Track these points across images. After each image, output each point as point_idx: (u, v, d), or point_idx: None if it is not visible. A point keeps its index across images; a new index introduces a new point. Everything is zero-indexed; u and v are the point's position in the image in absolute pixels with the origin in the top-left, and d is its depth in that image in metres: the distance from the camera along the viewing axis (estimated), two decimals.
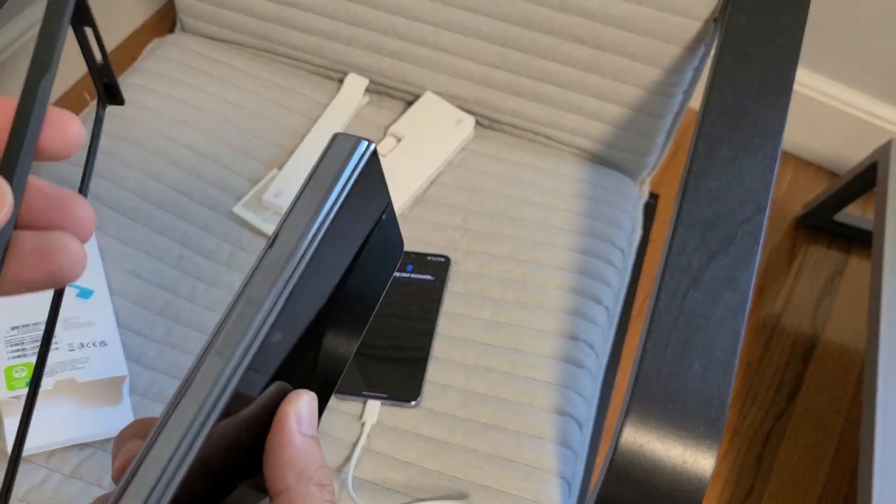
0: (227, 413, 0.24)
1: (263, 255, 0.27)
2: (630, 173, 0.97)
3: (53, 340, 0.72)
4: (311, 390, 0.29)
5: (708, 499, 1.20)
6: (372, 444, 0.75)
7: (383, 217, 0.31)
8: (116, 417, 0.71)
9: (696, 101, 0.97)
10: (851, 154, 1.46)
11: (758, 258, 0.63)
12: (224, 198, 0.87)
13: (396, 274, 0.84)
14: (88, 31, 0.28)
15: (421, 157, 0.91)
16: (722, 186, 0.66)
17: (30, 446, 0.68)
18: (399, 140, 0.93)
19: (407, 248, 0.86)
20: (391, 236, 0.33)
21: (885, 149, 1.23)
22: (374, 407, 0.76)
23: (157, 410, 0.73)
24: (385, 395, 0.76)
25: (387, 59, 0.95)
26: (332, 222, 0.27)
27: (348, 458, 0.74)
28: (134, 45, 1.45)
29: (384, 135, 0.94)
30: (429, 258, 0.85)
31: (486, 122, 0.98)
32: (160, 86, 0.94)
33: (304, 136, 0.93)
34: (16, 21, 1.25)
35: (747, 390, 1.29)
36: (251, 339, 0.25)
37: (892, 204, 1.17)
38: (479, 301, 0.83)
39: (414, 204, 0.90)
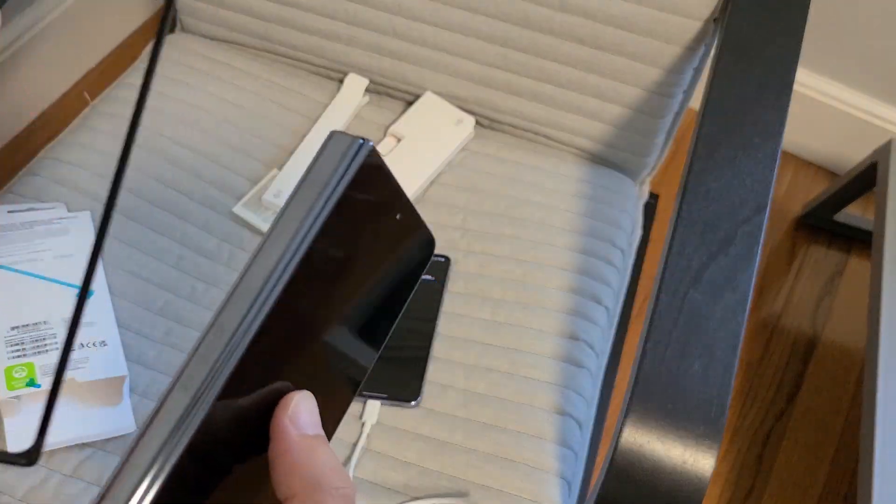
0: (192, 447, 0.24)
1: (243, 274, 0.26)
2: (630, 173, 0.97)
3: (53, 341, 0.72)
4: (327, 394, 0.29)
5: (708, 499, 1.20)
6: (372, 444, 0.75)
7: (398, 217, 0.30)
8: (116, 417, 0.71)
9: (696, 101, 0.97)
10: (851, 154, 1.46)
11: (758, 258, 0.63)
12: (224, 198, 0.87)
13: None
14: None
15: (421, 157, 0.91)
16: (722, 186, 0.66)
17: (30, 446, 0.68)
18: (399, 140, 0.93)
19: None
20: (412, 234, 0.32)
21: (885, 149, 1.23)
22: (374, 407, 0.76)
23: None
24: (385, 395, 0.76)
25: (387, 59, 0.95)
26: (325, 226, 0.27)
27: (348, 459, 0.74)
28: (134, 45, 1.45)
29: (384, 135, 0.94)
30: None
31: (486, 122, 0.98)
32: (160, 86, 0.94)
33: (304, 136, 0.93)
34: (16, 21, 1.25)
35: (747, 390, 1.29)
36: (217, 371, 0.24)
37: (892, 204, 1.17)
38: (479, 301, 0.83)
39: (414, 204, 0.90)
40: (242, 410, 0.26)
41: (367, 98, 0.98)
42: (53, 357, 0.71)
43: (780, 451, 1.24)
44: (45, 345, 0.71)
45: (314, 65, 1.00)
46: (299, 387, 0.28)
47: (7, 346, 0.71)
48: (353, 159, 0.27)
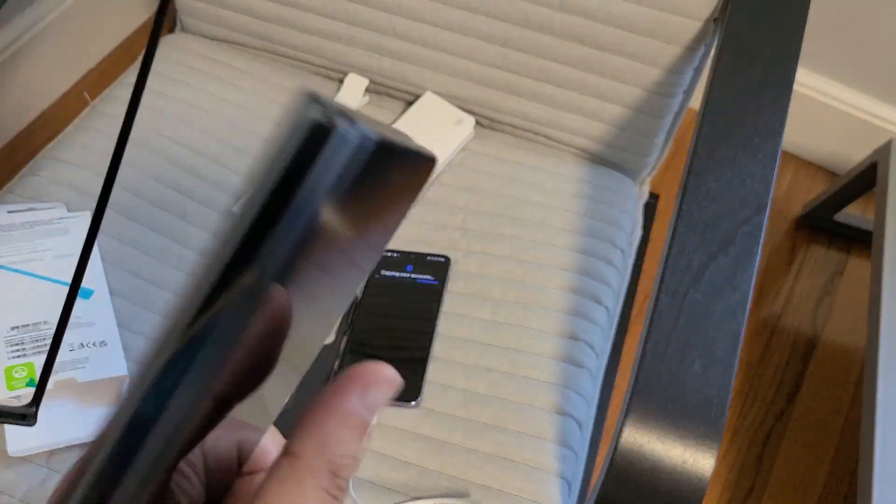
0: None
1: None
2: (630, 173, 0.97)
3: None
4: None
5: (708, 499, 1.20)
6: (372, 444, 0.75)
7: (402, 178, 0.24)
8: None
9: (696, 101, 0.97)
10: (851, 154, 1.46)
11: (758, 258, 0.63)
12: (224, 198, 0.87)
13: (396, 274, 0.84)
14: None
15: None
16: (722, 186, 0.66)
17: (30, 446, 0.68)
18: None
19: (407, 248, 0.86)
20: (416, 167, 0.24)
21: (885, 149, 1.23)
22: None
23: None
24: None
25: (387, 59, 0.95)
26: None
27: None
28: (134, 45, 1.45)
29: None
30: (429, 258, 0.85)
31: (486, 122, 0.98)
32: (160, 86, 0.94)
33: None
34: (16, 21, 1.25)
35: (747, 390, 1.29)
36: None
37: (892, 204, 1.17)
38: (479, 301, 0.83)
39: (414, 204, 0.90)
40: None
41: (367, 98, 0.98)
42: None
43: (780, 451, 1.24)
44: (45, 345, 0.71)
45: (314, 65, 1.00)
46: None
47: (7, 346, 0.71)
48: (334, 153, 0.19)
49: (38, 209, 0.81)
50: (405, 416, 0.76)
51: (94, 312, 0.75)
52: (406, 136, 0.23)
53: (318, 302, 0.24)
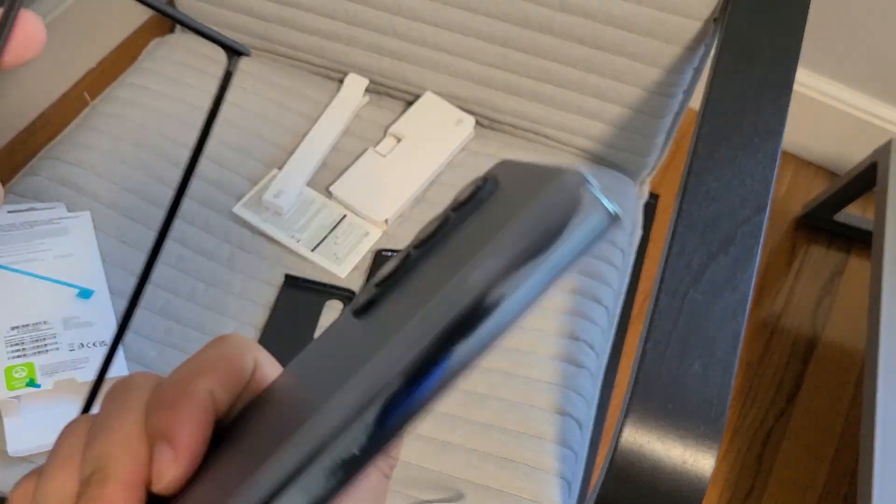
0: None
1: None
2: (630, 173, 0.97)
3: (53, 341, 0.72)
4: None
5: (708, 499, 1.20)
6: None
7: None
8: None
9: (696, 101, 0.97)
10: (851, 154, 1.46)
11: (758, 258, 0.63)
12: (224, 198, 0.87)
13: None
14: None
15: (421, 157, 0.91)
16: (722, 186, 0.66)
17: (30, 446, 0.68)
18: (399, 140, 0.93)
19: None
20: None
21: (885, 149, 1.23)
22: None
23: None
24: None
25: (387, 59, 0.95)
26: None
27: None
28: (134, 45, 1.45)
29: (384, 135, 0.94)
30: None
31: (486, 122, 0.98)
32: (160, 86, 0.94)
33: (304, 136, 0.93)
34: None
35: (747, 390, 1.29)
36: None
37: (892, 204, 1.17)
38: None
39: (414, 204, 0.90)
40: None
41: (367, 98, 0.98)
42: (53, 357, 0.71)
43: (780, 451, 1.24)
44: (45, 345, 0.71)
45: (314, 65, 1.00)
46: None
47: (7, 346, 0.71)
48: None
49: (38, 209, 0.81)
50: None
51: (94, 312, 0.75)
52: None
53: None
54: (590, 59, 0.88)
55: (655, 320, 0.59)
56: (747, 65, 0.73)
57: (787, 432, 1.26)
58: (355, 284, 0.84)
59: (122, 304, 0.78)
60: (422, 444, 0.74)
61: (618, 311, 0.90)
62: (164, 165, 0.88)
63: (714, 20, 0.82)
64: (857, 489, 1.00)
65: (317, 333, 0.81)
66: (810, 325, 1.36)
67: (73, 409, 0.69)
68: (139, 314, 0.78)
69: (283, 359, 0.26)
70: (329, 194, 0.89)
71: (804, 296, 1.39)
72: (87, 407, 0.26)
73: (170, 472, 0.21)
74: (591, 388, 0.81)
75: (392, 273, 0.21)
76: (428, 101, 0.96)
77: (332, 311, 0.82)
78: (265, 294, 0.83)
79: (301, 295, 0.83)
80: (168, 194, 0.86)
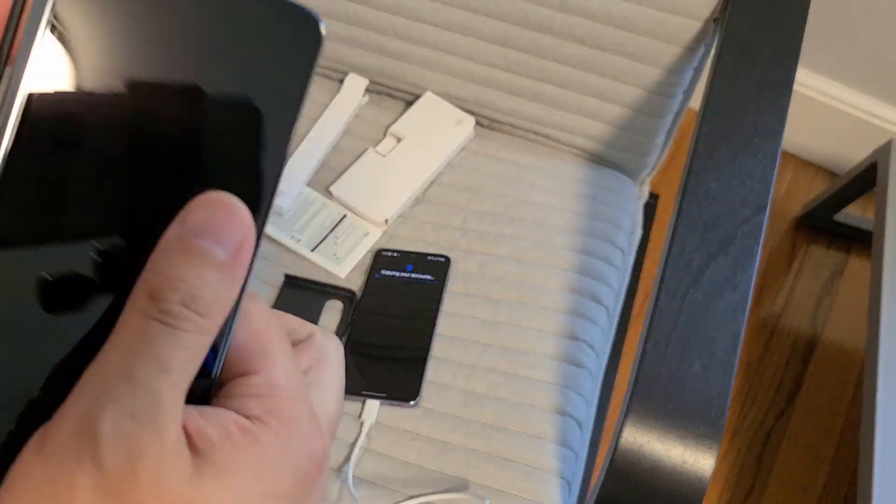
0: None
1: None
2: (630, 173, 0.97)
3: None
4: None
5: (708, 499, 1.20)
6: (371, 444, 0.75)
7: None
8: None
9: (696, 101, 0.97)
10: (851, 154, 1.46)
11: (758, 258, 0.63)
12: None
13: (396, 274, 0.84)
14: None
15: (421, 157, 0.91)
16: (722, 186, 0.66)
17: None
18: (399, 140, 0.93)
19: (407, 248, 0.86)
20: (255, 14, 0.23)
21: (885, 149, 1.23)
22: (372, 407, 0.76)
23: None
24: (384, 395, 0.76)
25: (387, 59, 0.95)
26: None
27: (348, 458, 0.74)
28: None
29: (384, 135, 0.94)
30: (429, 258, 0.85)
31: (485, 123, 0.98)
32: None
33: (304, 136, 0.93)
34: None
35: (747, 390, 1.29)
36: None
37: (892, 204, 1.17)
38: (478, 301, 0.83)
39: (414, 204, 0.90)
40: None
41: (367, 98, 0.98)
42: None
43: (780, 451, 1.24)
44: None
45: None
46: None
47: None
48: None
49: None
50: (405, 416, 0.76)
51: None
52: None
53: None
54: (590, 59, 0.88)
55: (655, 320, 0.59)
56: (747, 65, 0.73)
57: (787, 432, 1.26)
58: (355, 284, 0.84)
59: None
60: (421, 443, 0.75)
61: (618, 311, 0.90)
62: None
63: (714, 20, 0.82)
64: (857, 489, 1.00)
65: None
66: (810, 325, 1.36)
67: None
68: None
69: None
70: (329, 194, 0.89)
71: (804, 296, 1.39)
72: None
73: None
74: (591, 387, 0.81)
75: None
76: (428, 101, 0.96)
77: (332, 311, 0.82)
78: (265, 294, 0.83)
79: (301, 295, 0.83)
80: None
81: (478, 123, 0.97)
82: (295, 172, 0.89)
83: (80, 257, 0.23)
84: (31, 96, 0.21)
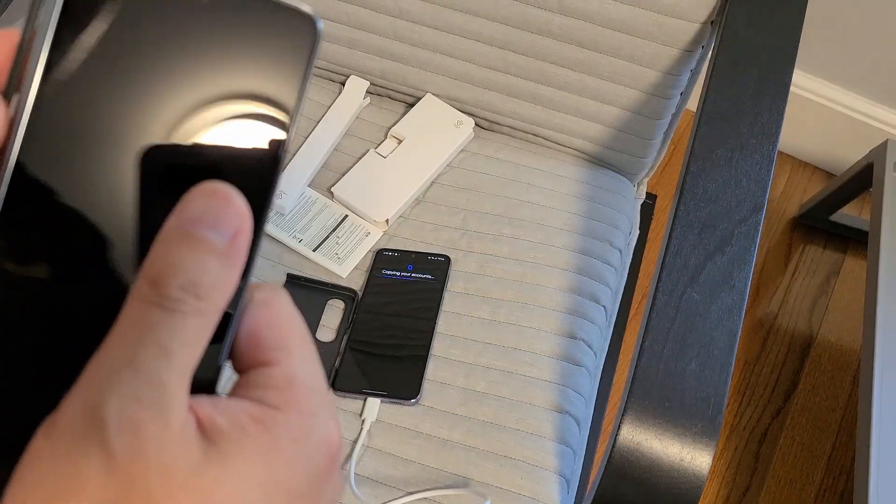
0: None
1: None
2: (628, 174, 0.98)
3: None
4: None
5: (705, 496, 1.21)
6: (372, 442, 0.75)
7: None
8: None
9: (693, 103, 0.97)
10: (847, 155, 1.47)
11: (754, 258, 0.64)
12: None
13: (396, 273, 0.85)
14: None
15: (421, 158, 0.92)
16: (719, 187, 0.67)
17: None
18: (400, 141, 0.93)
19: (407, 247, 0.87)
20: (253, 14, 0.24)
21: (881, 150, 1.23)
22: (373, 405, 0.77)
23: None
24: (385, 393, 0.77)
25: (388, 61, 0.96)
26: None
27: (349, 456, 0.74)
28: None
29: (385, 136, 0.95)
30: (429, 258, 0.86)
31: (485, 124, 0.99)
32: None
33: (305, 137, 0.93)
34: (19, 23, 1.25)
35: (744, 389, 1.30)
36: None
37: (888, 204, 1.18)
38: (478, 300, 0.83)
39: (414, 204, 0.90)
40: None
41: (367, 100, 0.98)
42: None
43: (777, 449, 1.25)
44: None
45: (316, 67, 1.00)
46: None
47: None
48: None
49: None
50: (405, 413, 0.77)
51: None
52: None
53: None
54: (588, 62, 0.89)
55: (653, 319, 0.60)
56: (744, 67, 0.74)
57: (784, 430, 1.27)
58: (357, 284, 0.85)
59: None
60: (421, 441, 0.75)
61: (616, 310, 0.91)
62: None
63: (711, 23, 0.83)
64: (853, 486, 1.01)
65: (318, 333, 0.82)
66: (807, 325, 1.37)
67: None
68: None
69: None
70: (330, 195, 0.90)
71: (801, 295, 1.40)
72: None
73: None
74: (590, 386, 0.82)
75: None
76: (428, 102, 0.96)
77: (333, 310, 0.83)
78: None
79: (303, 294, 0.83)
80: None
81: (477, 125, 0.98)
82: (297, 173, 0.90)
83: (84, 249, 0.23)
84: (41, 91, 0.22)
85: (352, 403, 0.77)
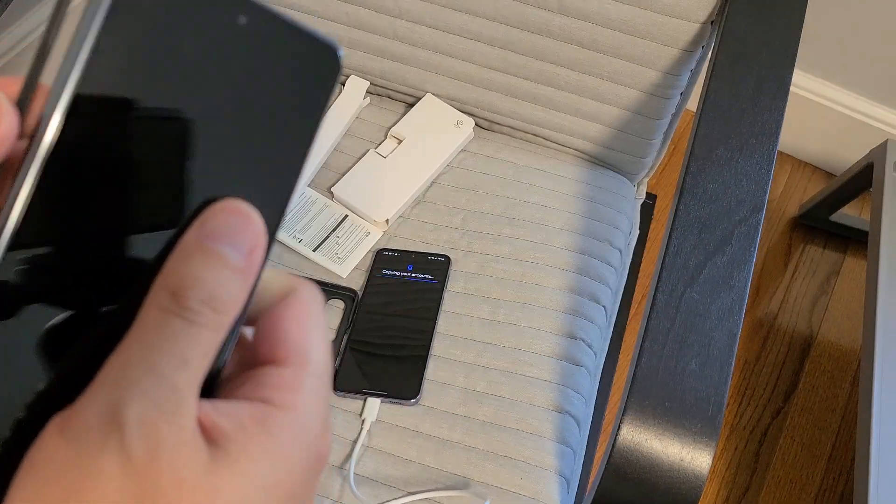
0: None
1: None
2: (628, 174, 0.98)
3: None
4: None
5: (705, 496, 1.21)
6: (372, 442, 0.75)
7: (243, 22, 0.24)
8: None
9: (693, 103, 0.97)
10: (848, 155, 1.47)
11: (754, 258, 0.64)
12: None
13: (396, 273, 0.85)
14: None
15: (421, 158, 0.92)
16: (719, 187, 0.67)
17: None
18: (400, 141, 0.93)
19: (407, 247, 0.87)
20: (282, 46, 0.25)
21: (881, 149, 1.23)
22: (373, 405, 0.77)
23: None
24: (385, 393, 0.77)
25: (388, 61, 0.96)
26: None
27: (349, 456, 0.74)
28: None
29: (385, 136, 0.95)
30: (429, 258, 0.86)
31: (485, 124, 0.99)
32: None
33: None
34: (19, 24, 1.25)
35: (744, 389, 1.30)
36: None
37: (888, 204, 1.18)
38: (478, 300, 0.83)
39: (414, 204, 0.91)
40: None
41: (367, 100, 0.98)
42: None
43: (777, 449, 1.25)
44: None
45: None
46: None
47: None
48: None
49: None
50: (405, 413, 0.77)
51: None
52: None
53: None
54: (588, 62, 0.89)
55: (653, 319, 0.60)
56: (744, 67, 0.74)
57: (784, 430, 1.27)
58: (356, 284, 0.85)
59: None
60: (421, 441, 0.75)
61: (616, 310, 0.91)
62: None
63: (711, 23, 0.83)
64: (853, 486, 1.01)
65: None
66: (807, 325, 1.37)
67: None
68: None
69: None
70: (330, 195, 0.90)
71: (801, 295, 1.40)
72: None
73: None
74: (590, 386, 0.82)
75: None
76: (428, 102, 0.97)
77: (333, 310, 0.83)
78: None
79: None
80: None
81: (477, 125, 0.98)
82: None
83: (98, 255, 0.24)
84: (74, 103, 0.23)
85: (352, 403, 0.77)
